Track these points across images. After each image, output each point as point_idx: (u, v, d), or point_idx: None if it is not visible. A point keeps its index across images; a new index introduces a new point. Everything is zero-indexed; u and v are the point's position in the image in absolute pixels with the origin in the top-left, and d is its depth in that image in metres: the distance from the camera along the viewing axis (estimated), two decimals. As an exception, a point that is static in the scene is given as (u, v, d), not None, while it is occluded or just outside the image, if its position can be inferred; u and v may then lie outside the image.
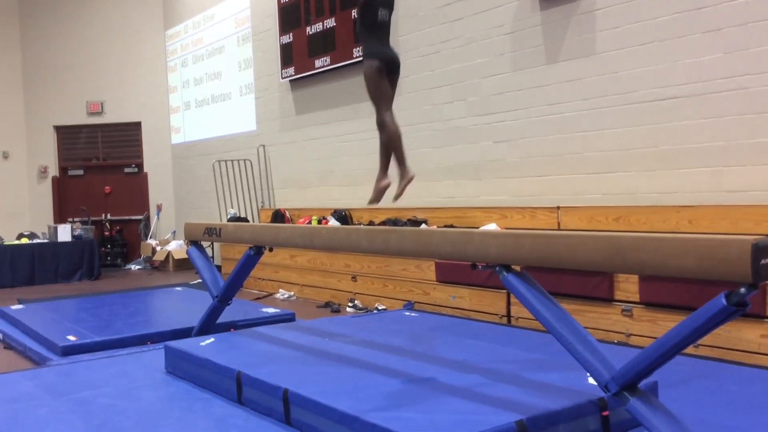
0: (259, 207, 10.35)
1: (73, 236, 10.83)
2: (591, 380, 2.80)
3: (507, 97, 6.69)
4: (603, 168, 5.95)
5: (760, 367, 4.05)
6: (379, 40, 3.69)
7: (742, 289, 2.11)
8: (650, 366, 2.43)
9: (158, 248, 12.10)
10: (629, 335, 4.88)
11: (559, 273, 4.99)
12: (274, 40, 9.83)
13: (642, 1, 5.57)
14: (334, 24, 8.61)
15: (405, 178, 3.56)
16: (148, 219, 13.11)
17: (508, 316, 5.73)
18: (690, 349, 4.11)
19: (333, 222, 7.96)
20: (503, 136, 6.76)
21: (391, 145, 3.68)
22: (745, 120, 5.02)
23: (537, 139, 6.45)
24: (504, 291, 5.71)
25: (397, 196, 3.71)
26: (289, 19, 9.40)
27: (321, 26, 8.83)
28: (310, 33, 9.00)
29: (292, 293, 8.18)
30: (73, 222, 11.84)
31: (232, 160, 10.69)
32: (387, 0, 3.74)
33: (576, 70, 6.08)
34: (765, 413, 3.20)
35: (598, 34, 5.91)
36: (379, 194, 3.64)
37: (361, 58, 4.01)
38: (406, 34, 7.77)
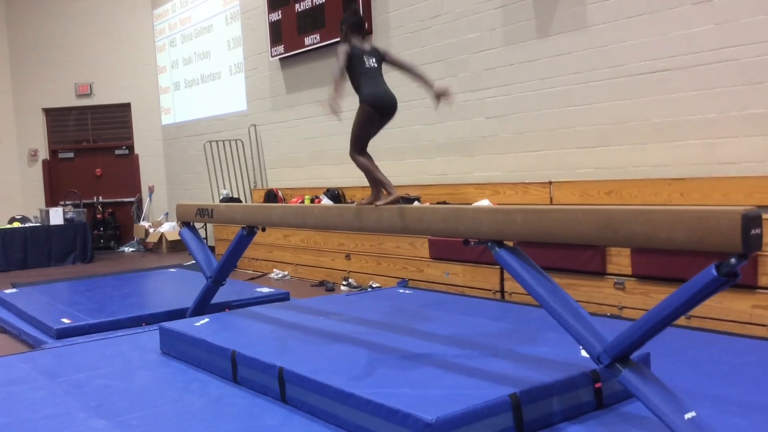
0: (252, 187, 10.32)
1: (65, 219, 10.79)
2: (583, 353, 2.82)
3: (498, 73, 6.66)
4: (595, 142, 5.95)
5: (752, 337, 4.08)
6: (374, 84, 3.69)
7: (733, 260, 2.13)
8: (642, 338, 2.45)
9: (151, 230, 12.07)
10: (622, 308, 4.91)
11: (551, 247, 5.01)
12: (262, 17, 9.73)
13: (633, -27, 5.53)
14: (324, 0, 8.52)
15: (390, 198, 3.62)
16: (140, 201, 13.07)
17: (502, 291, 5.76)
18: (682, 321, 4.15)
19: (326, 201, 7.95)
20: (495, 112, 6.74)
21: (371, 176, 3.77)
22: (736, 91, 5.02)
23: (529, 114, 6.43)
24: (497, 267, 5.73)
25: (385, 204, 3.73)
26: (278, -4, 9.30)
27: (310, 3, 8.74)
28: (299, 10, 8.91)
29: (286, 273, 8.19)
30: (65, 205, 11.78)
31: (223, 141, 10.64)
32: (369, 51, 3.75)
33: (567, 44, 6.05)
34: (757, 383, 3.23)
35: (588, 7, 5.87)
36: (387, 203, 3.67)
37: None
38: (395, 10, 7.71)
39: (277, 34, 9.39)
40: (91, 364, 4.13)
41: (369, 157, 3.84)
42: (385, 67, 3.84)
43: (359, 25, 3.86)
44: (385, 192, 3.73)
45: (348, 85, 3.71)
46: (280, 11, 9.28)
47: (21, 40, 12.98)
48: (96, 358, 4.25)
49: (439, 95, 3.78)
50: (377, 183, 3.77)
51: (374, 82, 3.71)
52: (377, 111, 3.68)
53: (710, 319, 4.39)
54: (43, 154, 13.17)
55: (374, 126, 3.75)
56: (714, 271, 2.16)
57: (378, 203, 3.67)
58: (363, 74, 3.70)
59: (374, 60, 3.77)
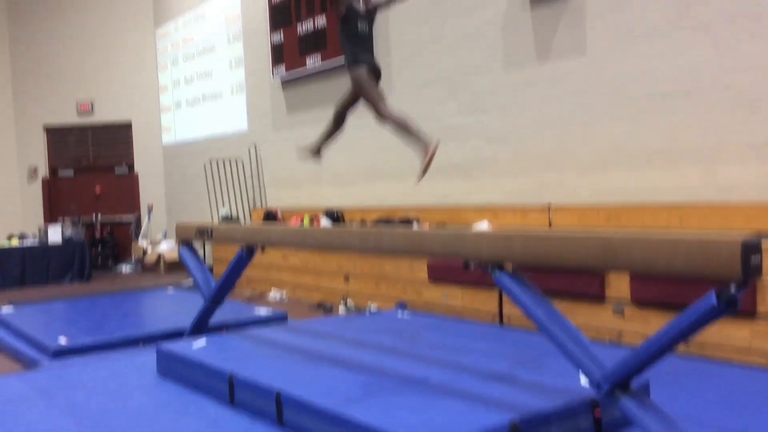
0: (251, 206, 10.33)
1: (63, 237, 10.78)
2: (583, 379, 2.81)
3: (498, 96, 6.70)
4: (594, 166, 5.96)
5: (751, 365, 4.07)
6: (362, 50, 3.88)
7: (732, 288, 2.12)
8: (642, 365, 2.44)
9: (149, 249, 12.05)
10: (621, 334, 4.89)
11: (550, 271, 5.00)
12: (264, 38, 9.80)
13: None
14: (325, 22, 8.59)
15: (429, 151, 3.70)
16: (139, 219, 13.06)
17: (501, 315, 5.74)
18: (681, 348, 4.13)
19: (325, 221, 7.95)
20: (495, 135, 6.76)
21: (405, 129, 3.91)
22: (734, 117, 5.04)
23: (528, 137, 6.46)
24: (496, 290, 5.71)
25: (424, 170, 3.82)
26: (280, 17, 9.38)
27: (312, 25, 8.81)
28: (301, 31, 8.98)
29: (284, 293, 8.16)
30: (63, 223, 11.77)
31: (223, 160, 10.66)
32: (365, 13, 3.86)
33: (567, 68, 6.09)
34: (756, 412, 3.22)
35: (588, 32, 5.92)
36: (430, 160, 3.75)
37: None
38: (396, 32, 7.77)
39: (278, 55, 9.45)
40: (88, 384, 4.10)
41: (400, 112, 3.92)
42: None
43: None
44: (422, 145, 3.74)
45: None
46: (282, 32, 9.35)
47: (23, 57, 13.06)
48: (92, 379, 4.22)
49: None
50: (416, 135, 3.93)
51: (363, 47, 3.90)
52: (371, 70, 3.88)
53: (710, 347, 4.38)
54: (43, 171, 13.19)
55: (376, 84, 3.91)
56: (714, 299, 2.15)
57: (424, 161, 3.71)
58: (352, 41, 3.89)
59: (367, 24, 3.95)
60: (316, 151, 3.95)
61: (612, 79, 5.77)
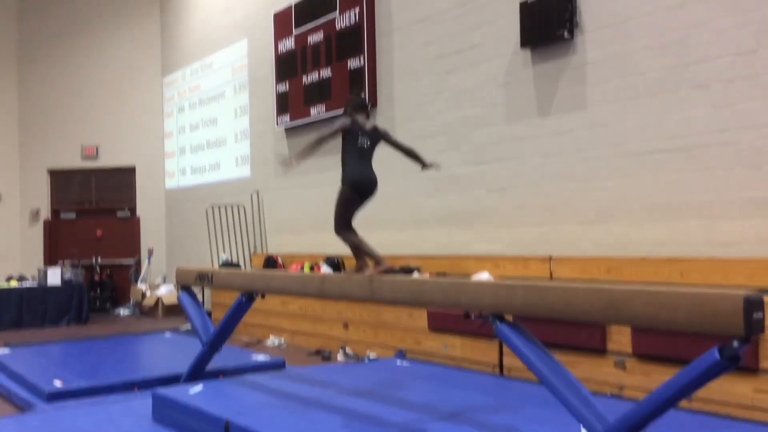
0: (252, 252, 10.32)
1: (62, 280, 10.74)
2: (584, 433, 2.77)
3: (500, 148, 6.77)
4: (595, 219, 5.99)
5: (754, 421, 4.02)
6: (358, 164, 3.91)
7: (735, 343, 2.12)
8: (644, 420, 2.42)
9: (148, 293, 12.00)
10: (622, 388, 4.84)
11: (550, 323, 4.97)
12: (270, 88, 9.96)
13: (631, 57, 5.69)
14: (330, 74, 8.74)
15: (381, 267, 3.85)
16: (139, 263, 13.04)
17: (501, 366, 5.69)
18: (683, 403, 4.09)
19: (325, 268, 7.94)
20: (496, 186, 6.81)
21: (357, 250, 4.00)
22: (734, 174, 5.09)
23: (530, 188, 6.51)
24: (496, 340, 5.67)
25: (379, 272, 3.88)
26: (286, 68, 9.55)
27: (317, 76, 8.96)
28: (306, 82, 9.13)
29: (282, 340, 8.10)
30: (63, 265, 11.75)
31: (225, 206, 10.71)
32: (367, 131, 3.98)
33: (568, 123, 6.18)
34: (760, 469, 3.16)
35: (588, 88, 6.02)
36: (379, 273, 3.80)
37: None
38: (401, 84, 7.90)
39: (283, 104, 9.59)
40: (81, 429, 4.04)
41: (354, 232, 4.02)
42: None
43: (363, 106, 4.10)
44: (374, 262, 3.82)
45: (316, 151, 3.99)
46: (287, 82, 9.50)
47: (30, 101, 13.24)
48: (86, 424, 4.16)
49: (429, 167, 4.20)
50: (367, 254, 3.93)
51: (358, 163, 3.91)
52: (355, 192, 3.90)
53: (711, 402, 4.33)
54: (45, 213, 13.23)
55: (353, 205, 3.97)
56: (717, 354, 2.15)
57: (368, 272, 3.75)
58: (350, 153, 3.91)
59: (368, 140, 3.96)
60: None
61: (612, 135, 5.84)
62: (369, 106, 4.25)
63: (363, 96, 4.24)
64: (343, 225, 3.99)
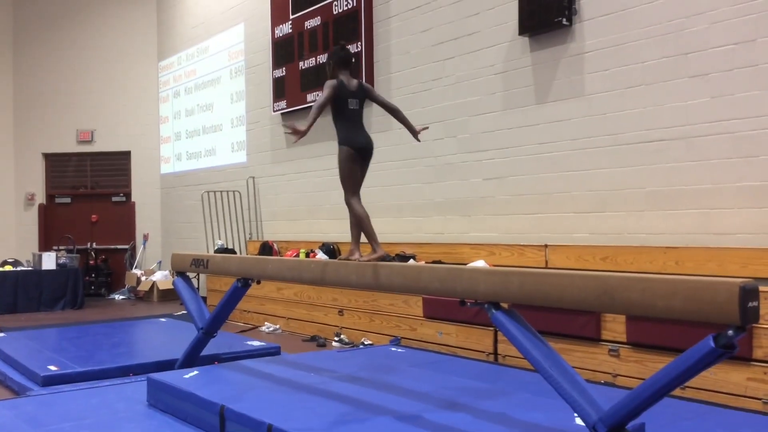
0: (247, 238, 10.32)
1: (57, 264, 10.73)
2: (578, 421, 2.79)
3: (497, 136, 6.76)
4: (591, 207, 5.99)
5: (746, 410, 4.04)
6: (352, 127, 3.93)
7: (730, 332, 2.13)
8: (638, 407, 2.43)
9: (143, 278, 12.00)
10: (616, 376, 4.87)
11: (546, 311, 4.98)
12: (266, 73, 9.91)
13: (630, 45, 5.67)
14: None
15: (375, 255, 3.85)
16: (134, 248, 13.02)
17: (495, 353, 5.71)
18: (676, 391, 4.10)
19: (321, 255, 7.94)
20: (493, 174, 6.81)
21: (359, 226, 3.95)
22: (731, 163, 5.09)
23: (526, 177, 6.50)
24: (491, 328, 5.69)
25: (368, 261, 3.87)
26: (283, 53, 9.49)
27: (314, 61, 8.92)
28: (303, 68, 9.08)
29: (277, 326, 8.11)
30: (58, 250, 11.73)
31: (221, 191, 10.68)
32: (354, 91, 3.96)
33: (565, 111, 6.16)
34: (752, 457, 3.18)
35: (586, 76, 6.00)
36: (371, 261, 3.79)
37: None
38: (398, 71, 7.86)
39: (280, 90, 9.55)
40: (76, 413, 4.05)
41: (362, 206, 3.97)
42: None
43: (347, 60, 4.06)
44: (370, 249, 3.80)
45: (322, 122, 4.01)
46: (284, 68, 9.46)
47: (26, 85, 13.15)
48: (81, 408, 4.17)
49: (417, 133, 4.21)
50: (367, 236, 3.89)
51: (352, 125, 3.94)
52: (357, 151, 3.90)
53: (705, 391, 4.35)
54: (40, 198, 13.18)
55: (357, 165, 3.95)
56: (712, 343, 2.16)
57: (362, 259, 3.75)
58: (344, 116, 3.94)
59: (357, 101, 3.98)
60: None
61: (610, 123, 5.83)
62: (352, 59, 4.20)
63: (345, 48, 4.16)
64: (352, 191, 3.93)
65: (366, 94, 4.07)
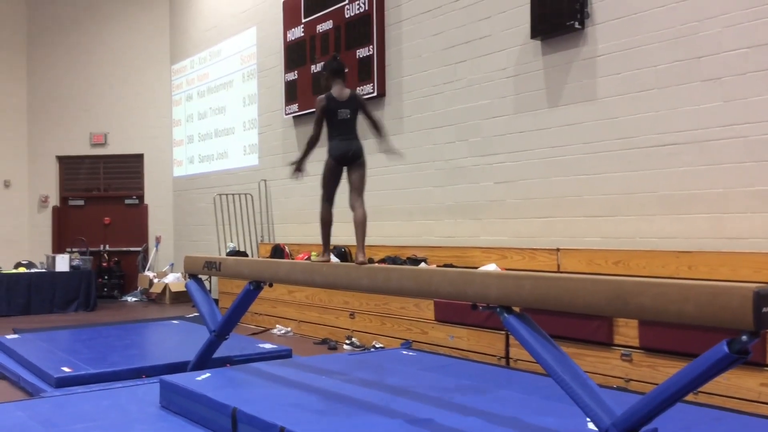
0: (259, 241, 10.35)
1: (71, 266, 10.80)
2: (591, 425, 2.78)
3: (508, 139, 6.75)
4: (603, 211, 5.98)
5: (760, 416, 4.01)
6: (337, 136, 4.10)
7: (744, 337, 2.12)
8: (651, 412, 2.42)
9: (156, 280, 12.06)
10: (628, 380, 4.84)
11: (557, 315, 4.96)
12: (279, 77, 9.94)
13: (642, 49, 5.65)
14: (339, 63, 8.71)
15: (321, 258, 4.24)
16: (146, 251, 13.09)
17: (507, 357, 5.69)
18: (689, 396, 4.08)
19: (332, 258, 7.94)
20: (504, 177, 6.80)
21: (358, 228, 4.22)
22: (743, 168, 5.06)
23: (538, 180, 6.49)
24: (503, 332, 5.68)
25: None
26: (295, 57, 9.53)
27: (326, 65, 8.93)
28: (315, 71, 9.11)
29: (289, 329, 8.13)
30: (71, 252, 11.81)
31: (233, 194, 10.72)
32: (345, 101, 4.09)
33: (577, 115, 6.15)
34: (766, 463, 3.16)
35: (599, 79, 5.99)
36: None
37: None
38: (409, 74, 7.87)
39: (292, 93, 9.58)
40: (89, 415, 4.07)
41: (329, 212, 4.34)
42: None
43: (339, 70, 4.21)
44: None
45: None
46: (296, 71, 9.49)
47: (40, 89, 13.27)
48: (94, 410, 4.19)
49: (389, 152, 4.36)
50: (323, 238, 4.29)
51: (339, 134, 4.09)
52: (334, 160, 4.12)
53: (718, 396, 4.32)
54: (54, 200, 13.29)
55: (333, 173, 4.20)
56: (726, 348, 2.15)
57: (313, 259, 3.98)
58: (332, 126, 4.11)
59: (348, 111, 4.10)
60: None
61: (622, 127, 5.81)
62: (345, 69, 4.34)
63: (338, 59, 4.29)
64: (325, 197, 4.29)
65: (359, 105, 4.20)
